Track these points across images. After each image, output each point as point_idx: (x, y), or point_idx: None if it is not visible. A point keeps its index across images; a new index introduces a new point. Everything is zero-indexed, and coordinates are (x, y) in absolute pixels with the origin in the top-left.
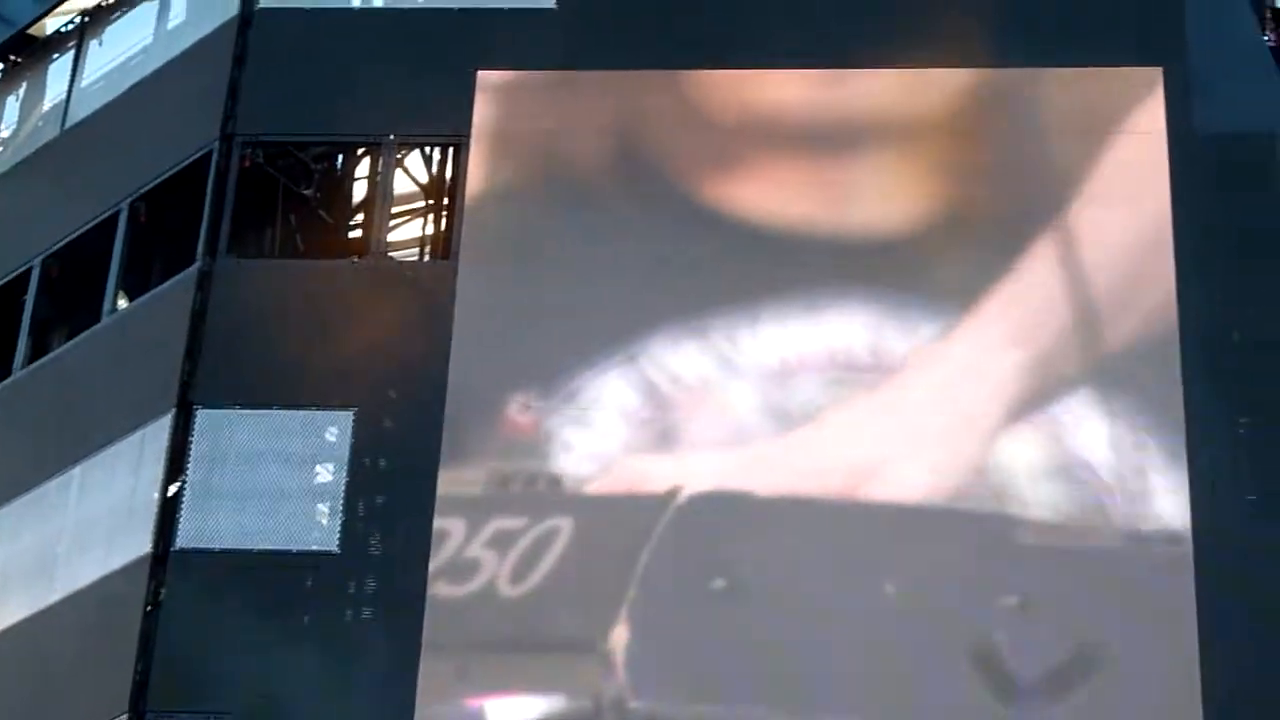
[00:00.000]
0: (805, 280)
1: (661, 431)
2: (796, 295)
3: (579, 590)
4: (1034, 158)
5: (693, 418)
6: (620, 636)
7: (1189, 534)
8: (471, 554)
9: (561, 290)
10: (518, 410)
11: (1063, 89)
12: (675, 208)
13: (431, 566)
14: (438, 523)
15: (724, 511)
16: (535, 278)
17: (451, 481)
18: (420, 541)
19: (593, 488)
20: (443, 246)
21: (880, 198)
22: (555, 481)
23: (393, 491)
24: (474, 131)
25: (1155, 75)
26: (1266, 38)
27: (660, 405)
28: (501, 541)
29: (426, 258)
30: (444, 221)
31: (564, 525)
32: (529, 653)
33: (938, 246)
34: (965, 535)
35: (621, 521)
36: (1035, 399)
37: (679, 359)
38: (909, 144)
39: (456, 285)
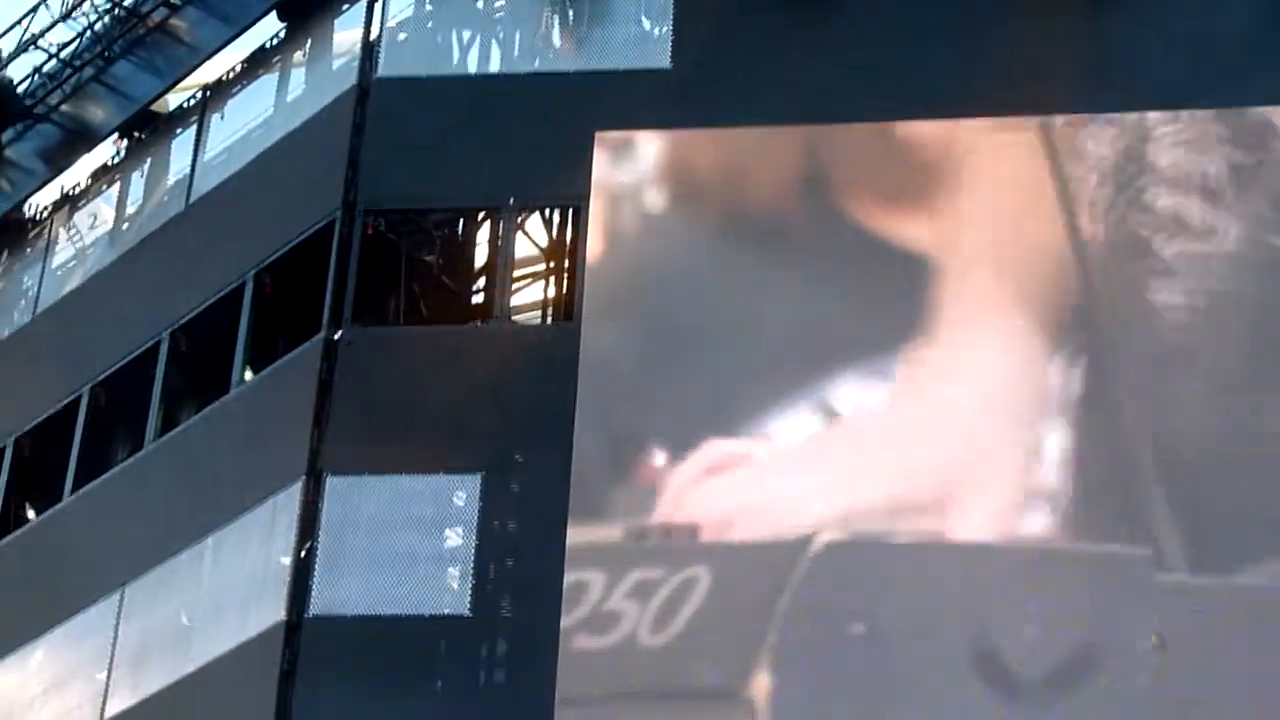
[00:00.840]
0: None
1: (796, 477)
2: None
3: (719, 639)
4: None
5: (826, 462)
6: (761, 684)
7: None
8: (612, 605)
9: (682, 345)
10: (647, 463)
11: None
12: (801, 261)
13: (568, 620)
14: (574, 576)
15: (862, 556)
16: (657, 335)
17: (586, 535)
18: (551, 602)
19: (729, 536)
20: (565, 308)
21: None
22: (692, 531)
23: (522, 553)
24: (593, 193)
25: None
26: None
27: (793, 451)
28: (641, 592)
29: (549, 320)
30: (565, 283)
31: (702, 574)
32: (670, 701)
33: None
34: (1103, 576)
35: (759, 569)
36: None
37: (808, 403)
38: None
39: (579, 346)
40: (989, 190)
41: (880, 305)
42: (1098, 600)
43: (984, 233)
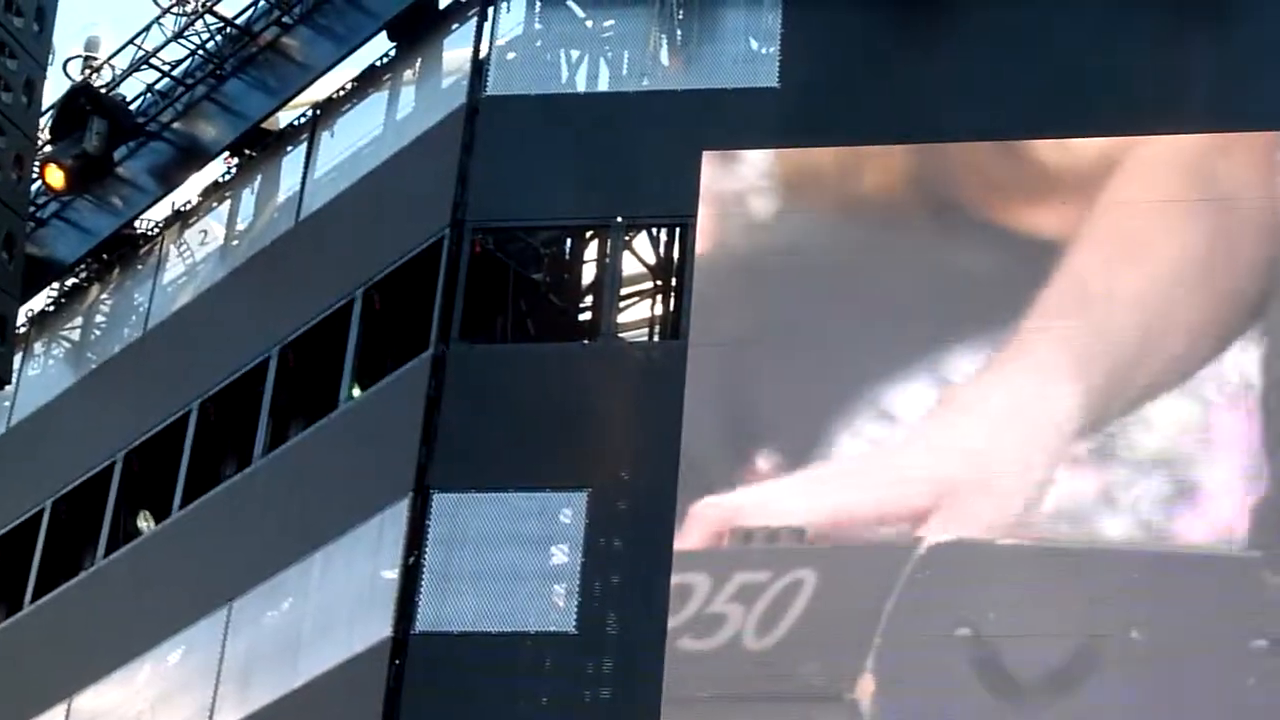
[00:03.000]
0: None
1: (903, 480)
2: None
3: (824, 641)
4: None
5: (931, 465)
6: (866, 686)
7: None
8: (716, 609)
9: (790, 362)
10: (752, 469)
11: None
12: (914, 268)
13: (674, 622)
14: (679, 579)
15: (967, 559)
16: (765, 351)
17: (691, 541)
18: (657, 619)
19: (835, 538)
20: (672, 325)
21: None
22: (798, 534)
23: (628, 571)
24: (701, 210)
25: None
26: None
27: (900, 454)
28: (746, 595)
29: (656, 337)
30: (672, 300)
31: (808, 576)
32: (776, 704)
33: None
34: (1210, 578)
35: (865, 571)
36: None
37: (914, 405)
38: None
39: (687, 363)
40: (1131, 197)
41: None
42: (1205, 602)
43: (1125, 231)
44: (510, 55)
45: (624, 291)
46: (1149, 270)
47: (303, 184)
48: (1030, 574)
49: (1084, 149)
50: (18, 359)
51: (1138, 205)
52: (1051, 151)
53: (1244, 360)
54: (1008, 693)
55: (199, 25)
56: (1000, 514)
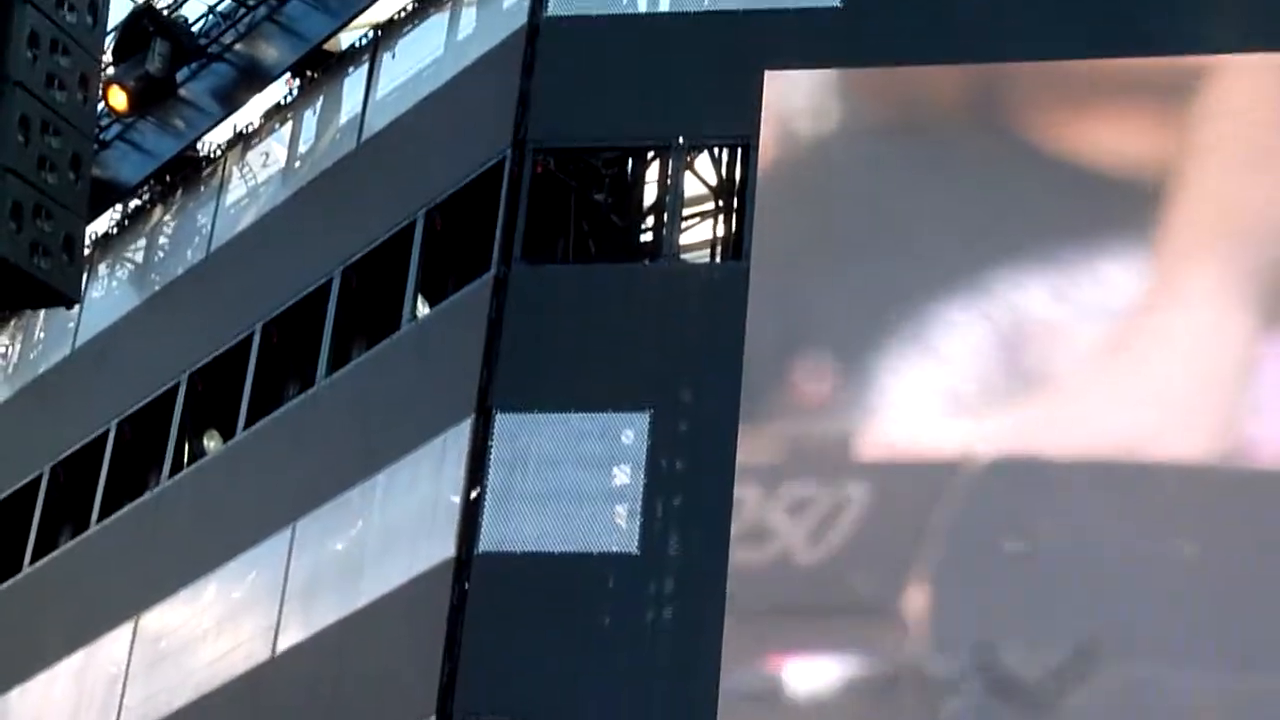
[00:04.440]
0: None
1: (956, 395)
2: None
3: (874, 554)
4: None
5: (989, 381)
6: (916, 599)
7: None
8: (768, 521)
9: (853, 283)
10: (810, 383)
11: None
12: (975, 192)
13: (733, 536)
14: (736, 493)
15: (1018, 474)
16: (827, 273)
17: (750, 458)
18: (719, 541)
19: (886, 453)
20: (734, 246)
21: None
22: (849, 448)
23: (690, 493)
24: (762, 131)
25: None
26: None
27: (956, 370)
28: (797, 508)
29: (718, 258)
30: (734, 222)
31: (858, 491)
32: (826, 617)
33: None
34: (1259, 494)
35: (915, 486)
36: None
37: (971, 324)
38: None
39: (749, 285)
40: (1218, 121)
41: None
42: (1260, 520)
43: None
44: None
45: (686, 212)
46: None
47: (364, 105)
48: (1084, 489)
49: (1168, 67)
50: (83, 281)
51: (1245, 118)
52: (1130, 70)
53: None
54: (1065, 608)
55: None
56: (1055, 426)
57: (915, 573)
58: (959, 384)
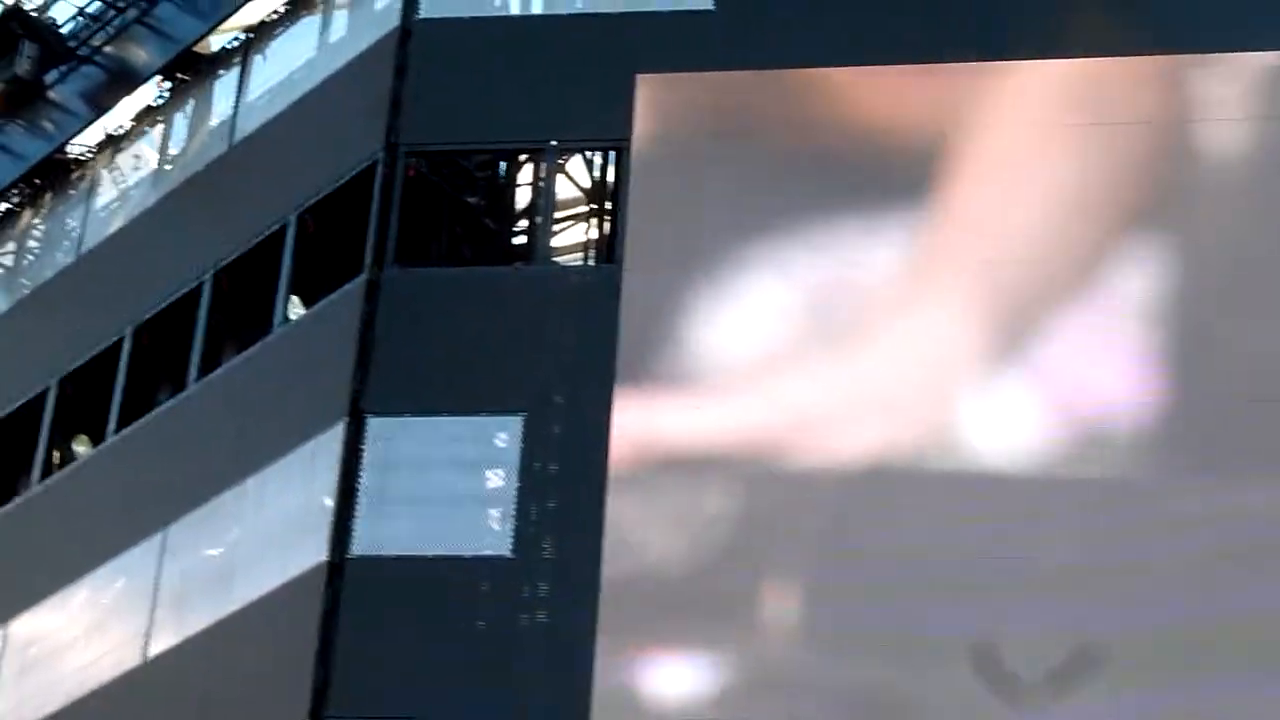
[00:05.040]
0: None
1: (825, 404)
2: None
3: (750, 559)
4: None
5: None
6: (783, 601)
7: None
8: (645, 532)
9: (722, 287)
10: (684, 394)
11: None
12: (842, 204)
13: (606, 547)
14: (611, 503)
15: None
16: (699, 276)
17: (625, 468)
18: (592, 543)
19: (760, 463)
20: (606, 250)
21: None
22: (727, 459)
23: (563, 495)
24: (635, 134)
25: None
26: None
27: (824, 380)
28: (674, 518)
29: (591, 262)
30: (607, 225)
31: (724, 496)
32: (695, 619)
33: None
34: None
35: (788, 493)
36: None
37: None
38: None
39: (621, 288)
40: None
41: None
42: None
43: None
44: None
45: (558, 215)
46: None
47: (235, 108)
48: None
49: (957, 74)
50: None
51: (1017, 129)
52: (924, 76)
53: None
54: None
55: None
56: (912, 435)
57: (782, 575)
58: (827, 395)
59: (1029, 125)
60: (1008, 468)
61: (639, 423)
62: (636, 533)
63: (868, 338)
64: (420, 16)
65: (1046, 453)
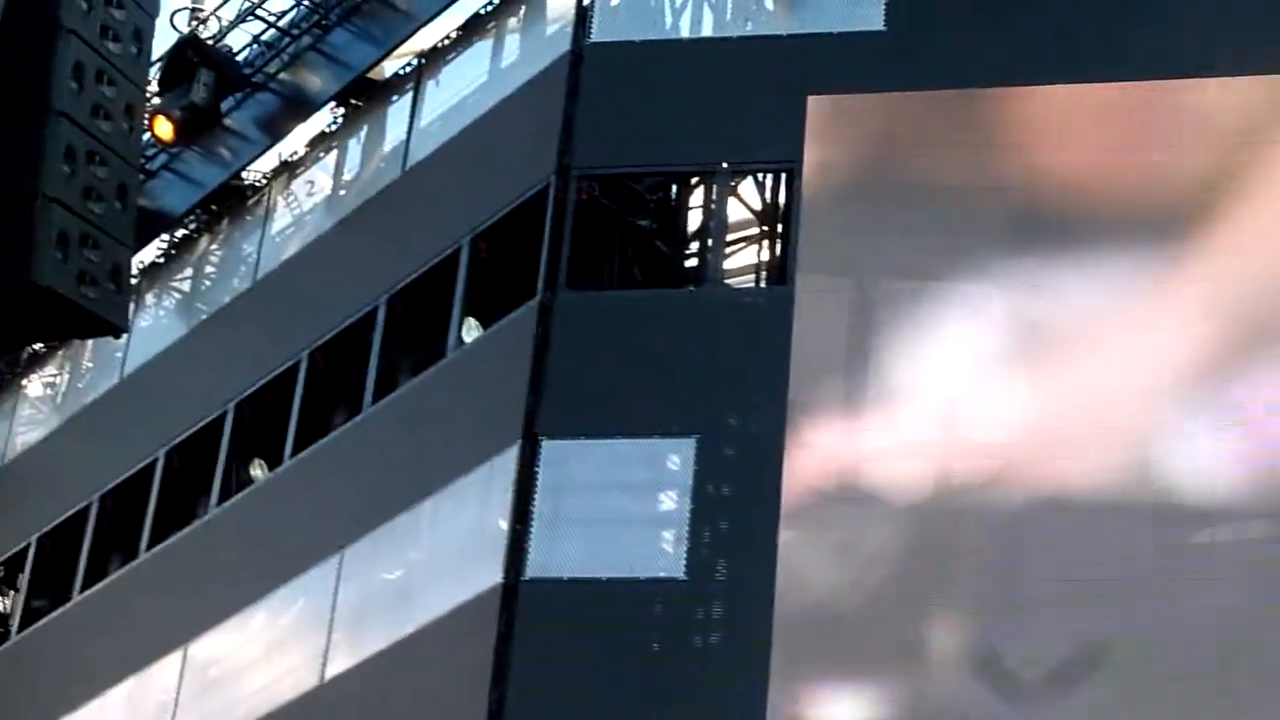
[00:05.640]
0: None
1: (1006, 436)
2: None
3: (914, 596)
4: None
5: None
6: (949, 635)
7: None
8: (816, 564)
9: (897, 308)
10: (860, 420)
11: None
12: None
13: (780, 578)
14: (784, 532)
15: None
16: (871, 296)
17: (797, 490)
18: (765, 566)
19: (935, 496)
20: (778, 271)
21: None
22: (898, 490)
23: (736, 518)
24: (806, 156)
25: None
26: None
27: (1009, 407)
28: (844, 550)
29: (763, 283)
30: (779, 247)
31: (902, 534)
32: (868, 652)
33: None
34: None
35: (939, 525)
36: None
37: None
38: None
39: (794, 309)
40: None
41: None
42: None
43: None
44: (614, 1)
45: (730, 237)
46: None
47: (409, 133)
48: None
49: (1197, 90)
50: (130, 310)
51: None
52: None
53: None
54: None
55: None
56: (1094, 469)
57: (943, 612)
58: (1011, 425)
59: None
60: (1194, 503)
61: (812, 447)
62: (808, 557)
63: (1056, 371)
64: (591, 40)
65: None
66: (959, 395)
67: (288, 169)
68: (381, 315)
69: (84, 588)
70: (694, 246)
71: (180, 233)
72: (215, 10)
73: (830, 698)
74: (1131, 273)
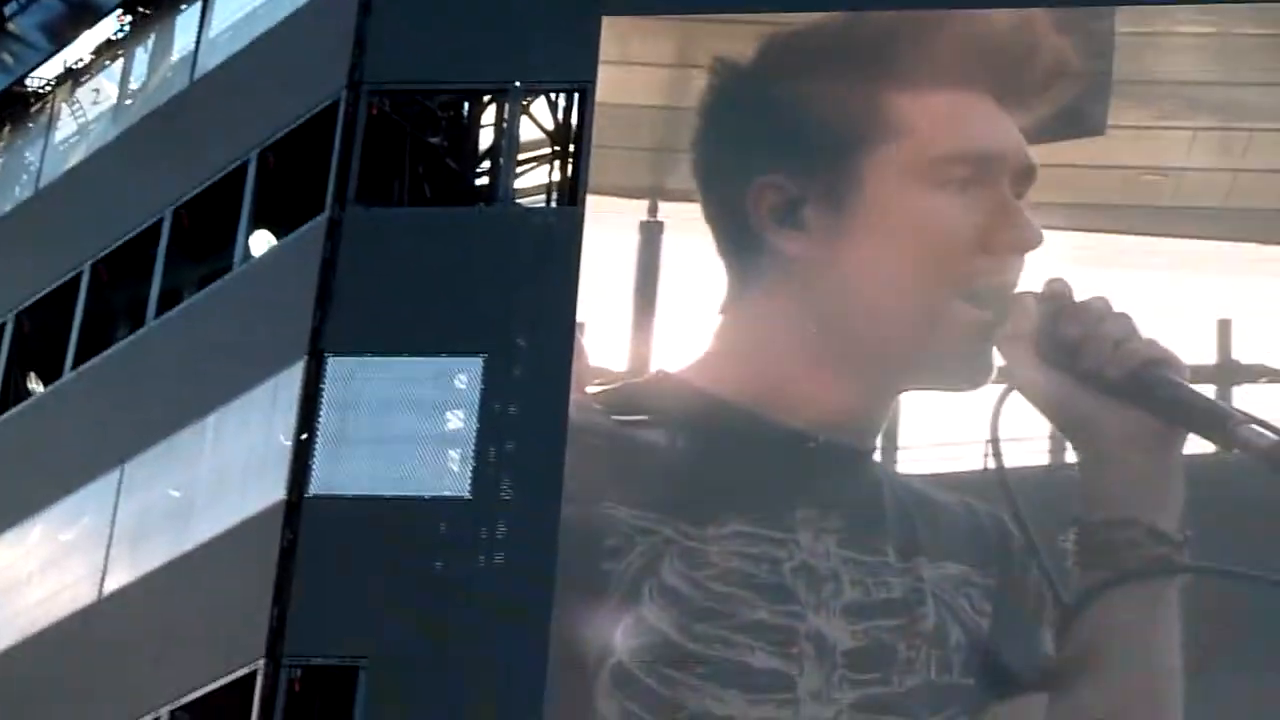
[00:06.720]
0: None
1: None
2: None
3: (690, 511)
4: None
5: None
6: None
7: None
8: (600, 477)
9: (687, 230)
10: (647, 339)
11: None
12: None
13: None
14: (570, 447)
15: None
16: (661, 218)
17: (584, 408)
18: (551, 486)
19: (721, 410)
20: (569, 192)
21: None
22: (665, 412)
23: (523, 437)
24: (599, 77)
25: None
26: None
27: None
28: (630, 463)
29: (553, 203)
30: (570, 167)
31: (689, 444)
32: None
33: None
34: None
35: (722, 442)
36: None
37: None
38: None
39: (583, 231)
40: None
41: None
42: None
43: None
44: None
45: (522, 157)
46: None
47: (197, 43)
48: None
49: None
50: None
51: None
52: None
53: None
54: None
55: None
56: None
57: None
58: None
59: None
60: None
61: (598, 366)
62: (593, 477)
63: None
64: None
65: None
66: (741, 318)
67: (73, 76)
68: (167, 227)
69: None
70: (485, 165)
71: None
72: None
73: (613, 617)
74: None
